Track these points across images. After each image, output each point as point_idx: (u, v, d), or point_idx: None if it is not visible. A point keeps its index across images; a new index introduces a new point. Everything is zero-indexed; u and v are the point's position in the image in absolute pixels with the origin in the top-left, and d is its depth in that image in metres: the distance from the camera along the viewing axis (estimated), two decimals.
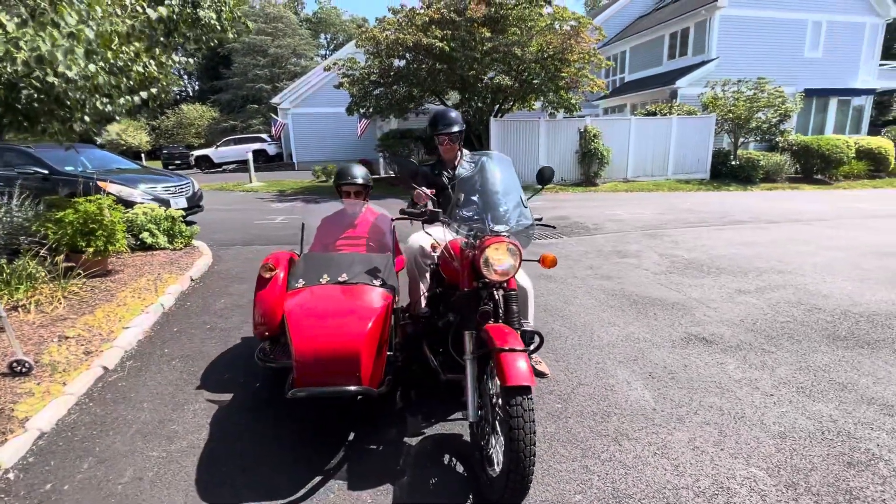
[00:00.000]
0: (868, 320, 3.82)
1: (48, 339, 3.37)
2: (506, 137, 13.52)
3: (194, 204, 7.83)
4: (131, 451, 2.31)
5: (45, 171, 6.75)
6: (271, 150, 25.10)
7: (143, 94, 4.42)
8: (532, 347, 2.15)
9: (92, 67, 3.43)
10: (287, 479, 2.12)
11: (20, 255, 4.24)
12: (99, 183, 6.50)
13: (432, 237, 2.63)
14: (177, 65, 4.79)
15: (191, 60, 4.99)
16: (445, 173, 3.03)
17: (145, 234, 5.86)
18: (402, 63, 13.13)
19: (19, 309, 3.81)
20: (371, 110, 14.13)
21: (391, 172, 16.18)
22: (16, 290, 3.94)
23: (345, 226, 3.07)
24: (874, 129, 18.84)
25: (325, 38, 47.36)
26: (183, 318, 4.02)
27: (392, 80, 13.36)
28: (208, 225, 7.73)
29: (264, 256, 2.88)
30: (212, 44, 5.46)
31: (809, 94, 16.20)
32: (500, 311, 2.16)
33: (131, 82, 4.25)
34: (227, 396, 2.80)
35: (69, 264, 4.39)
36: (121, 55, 3.91)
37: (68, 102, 3.74)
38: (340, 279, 2.48)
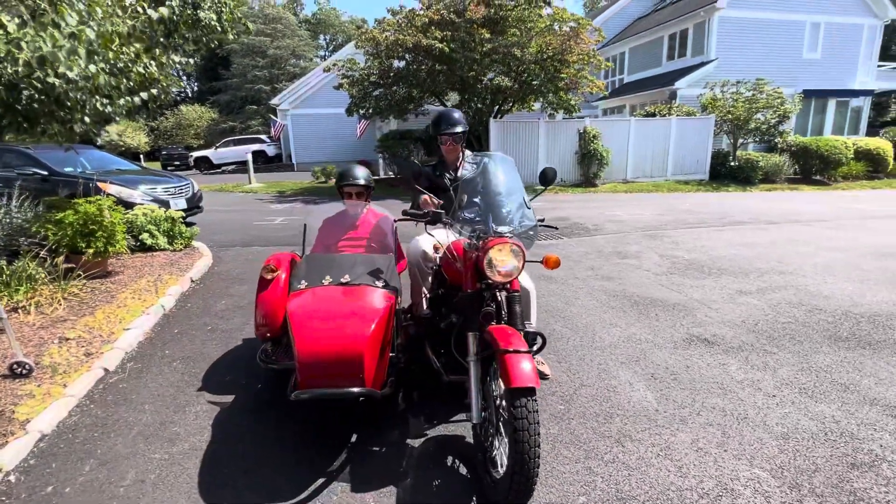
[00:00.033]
0: (869, 321, 3.83)
1: (48, 341, 3.36)
2: (505, 138, 13.52)
3: (194, 205, 7.82)
4: (133, 453, 2.30)
5: (45, 172, 6.74)
6: (270, 151, 25.08)
7: (144, 95, 4.41)
8: (535, 349, 2.14)
9: (92, 68, 3.42)
10: (289, 481, 2.11)
11: (20, 256, 4.23)
12: (99, 184, 6.48)
13: (435, 238, 2.63)
14: (177, 65, 4.77)
15: (191, 61, 4.97)
16: (447, 175, 3.02)
17: (145, 236, 5.84)
18: (402, 64, 13.14)
19: (19, 310, 3.80)
20: (371, 111, 14.13)
21: (391, 173, 16.18)
22: (16, 291, 3.93)
23: (346, 227, 3.07)
24: (872, 130, 18.88)
25: (325, 39, 47.37)
26: (183, 319, 4.01)
27: (392, 81, 13.37)
28: (208, 226, 7.71)
29: (264, 257, 2.87)
30: (212, 45, 5.45)
31: (808, 95, 16.24)
32: (503, 312, 2.16)
33: (131, 83, 4.24)
34: (229, 398, 2.79)
35: (69, 265, 4.37)
36: (121, 56, 3.90)
37: (68, 103, 3.73)
38: (343, 280, 2.47)
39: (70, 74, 3.21)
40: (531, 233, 2.24)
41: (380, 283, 2.47)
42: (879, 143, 15.36)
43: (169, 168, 22.44)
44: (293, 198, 12.64)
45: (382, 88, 13.69)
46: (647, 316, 4.01)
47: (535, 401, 1.75)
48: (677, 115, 14.55)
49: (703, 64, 16.23)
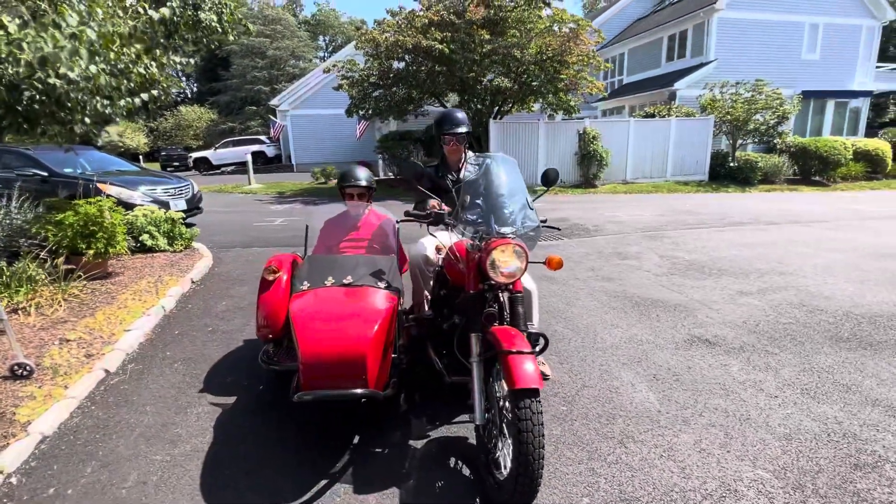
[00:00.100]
0: (870, 322, 3.83)
1: (49, 342, 3.35)
2: (505, 139, 13.53)
3: (194, 206, 7.81)
4: (135, 455, 2.29)
5: (45, 173, 6.72)
6: (270, 151, 25.07)
7: (144, 96, 4.40)
8: (537, 349, 2.14)
9: (93, 69, 3.41)
10: (292, 482, 2.11)
11: (20, 257, 4.22)
12: (99, 185, 6.48)
13: (437, 239, 2.63)
14: (177, 66, 4.77)
15: (191, 61, 4.96)
16: (450, 176, 3.01)
17: (145, 237, 5.84)
18: (402, 65, 13.14)
19: (19, 311, 3.79)
20: (370, 112, 14.13)
21: (390, 174, 16.18)
22: (16, 292, 3.92)
23: (348, 228, 3.07)
24: (871, 131, 18.92)
25: (324, 40, 47.38)
26: (184, 320, 4.01)
27: (391, 82, 13.37)
28: (208, 227, 7.70)
29: (264, 258, 2.87)
30: (212, 46, 5.44)
31: (807, 96, 16.27)
32: (506, 313, 2.16)
33: (132, 84, 4.23)
34: (231, 399, 2.78)
35: (69, 266, 4.37)
36: (122, 57, 3.89)
37: (69, 104, 3.72)
38: (345, 281, 2.47)
39: (71, 75, 3.21)
40: (532, 234, 2.24)
41: (382, 285, 2.47)
42: (878, 144, 15.40)
43: (168, 169, 22.42)
44: (293, 198, 12.63)
45: (382, 89, 13.69)
46: (648, 317, 4.01)
47: (539, 402, 1.74)
48: (677, 116, 14.57)
49: (702, 65, 16.27)
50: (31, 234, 4.54)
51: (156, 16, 4.02)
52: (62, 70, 3.18)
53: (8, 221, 4.72)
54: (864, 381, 2.90)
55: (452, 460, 2.25)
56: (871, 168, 15.25)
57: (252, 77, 32.61)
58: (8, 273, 3.99)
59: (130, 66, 4.00)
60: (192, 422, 2.56)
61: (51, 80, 3.26)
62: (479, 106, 13.90)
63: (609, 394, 2.80)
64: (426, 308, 2.96)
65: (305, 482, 2.10)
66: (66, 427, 2.52)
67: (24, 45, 2.96)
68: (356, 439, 2.41)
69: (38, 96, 3.44)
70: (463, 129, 2.93)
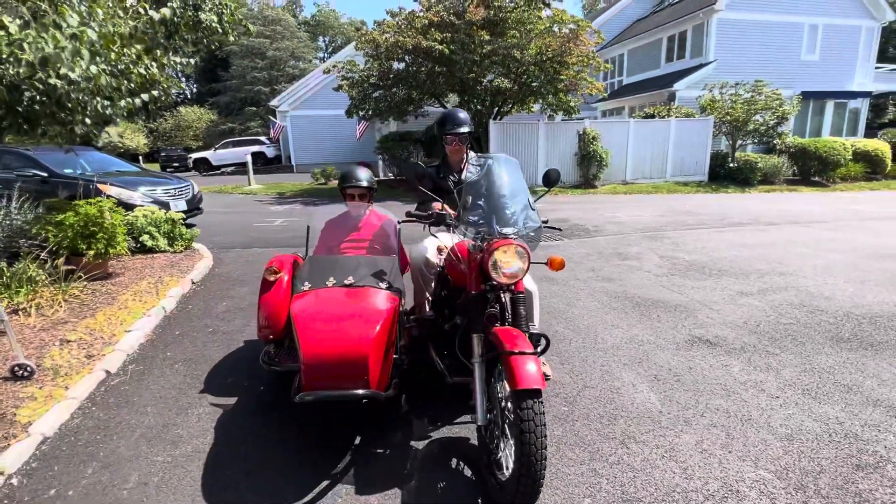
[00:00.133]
0: (871, 322, 3.83)
1: (49, 343, 3.34)
2: (505, 140, 13.54)
3: (194, 206, 7.81)
4: (136, 456, 2.29)
5: (45, 174, 6.72)
6: (270, 152, 25.07)
7: (145, 97, 4.40)
8: (539, 350, 2.13)
9: (94, 69, 3.41)
10: (293, 483, 2.10)
11: (20, 258, 4.22)
12: (99, 185, 6.47)
13: (439, 240, 2.63)
14: (177, 66, 4.77)
15: (191, 61, 4.96)
16: (451, 177, 3.01)
17: (145, 237, 5.83)
18: (402, 66, 13.15)
19: (20, 312, 3.78)
20: (370, 113, 14.14)
21: (390, 175, 16.18)
22: (16, 293, 3.92)
23: (349, 228, 3.07)
24: (870, 132, 18.96)
25: (324, 41, 47.40)
26: (185, 321, 4.00)
27: (391, 83, 13.38)
28: (208, 227, 7.70)
29: (265, 259, 2.87)
30: (212, 46, 5.45)
31: (806, 96, 16.29)
32: (507, 313, 2.15)
33: (132, 85, 4.24)
34: (232, 400, 2.78)
35: (69, 267, 4.36)
36: (122, 58, 3.89)
37: (69, 105, 3.72)
38: (346, 282, 2.47)
39: (72, 76, 3.21)
40: (533, 234, 2.24)
41: (383, 285, 2.47)
42: (877, 145, 15.42)
43: (168, 169, 22.42)
44: (293, 199, 12.63)
45: (382, 90, 13.70)
46: (648, 317, 4.01)
47: (542, 402, 1.74)
48: (676, 117, 14.58)
49: (701, 65, 16.28)
50: (32, 234, 4.53)
51: (156, 16, 4.02)
52: (63, 71, 3.18)
53: (8, 222, 4.72)
54: (865, 382, 2.90)
55: (454, 461, 2.24)
56: (871, 169, 15.27)
57: (252, 78, 32.61)
58: (8, 274, 3.99)
59: (131, 66, 4.01)
60: (193, 423, 2.56)
61: (51, 81, 3.26)
62: (478, 107, 13.90)
63: (610, 394, 2.80)
64: (427, 309, 2.96)
65: (307, 483, 2.10)
66: (67, 428, 2.52)
67: (26, 46, 2.96)
68: (357, 440, 2.41)
69: (38, 97, 3.44)
70: (465, 129, 2.93)
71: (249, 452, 2.32)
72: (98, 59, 3.48)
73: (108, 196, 6.01)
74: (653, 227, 8.20)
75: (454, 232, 2.32)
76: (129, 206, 6.32)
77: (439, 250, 2.83)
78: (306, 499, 2.02)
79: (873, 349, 3.35)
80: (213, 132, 31.77)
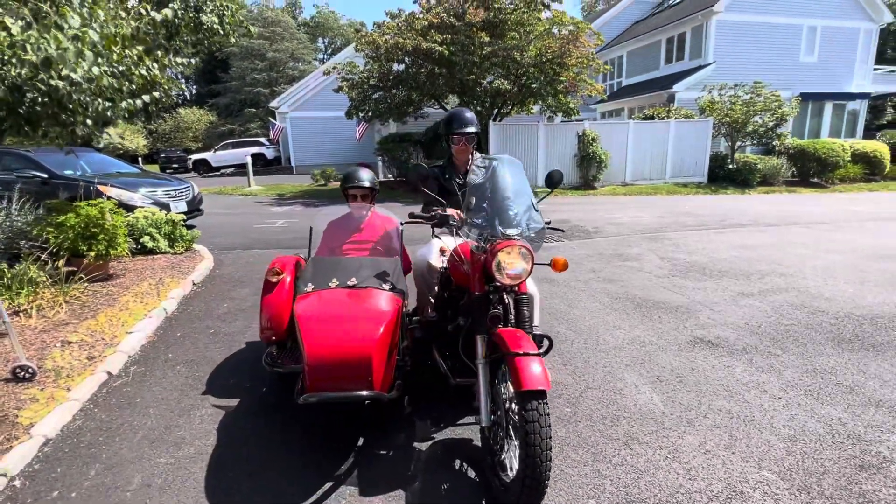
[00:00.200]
0: (871, 323, 3.84)
1: (51, 345, 3.34)
2: (505, 141, 13.55)
3: (194, 208, 7.80)
4: (139, 458, 2.29)
5: (45, 175, 6.71)
6: (269, 153, 25.05)
7: (146, 98, 4.40)
8: (542, 351, 2.13)
9: (96, 70, 3.41)
10: (297, 485, 2.10)
11: (21, 259, 4.21)
12: (99, 187, 6.47)
13: (442, 241, 2.63)
14: (179, 67, 4.77)
15: (192, 62, 4.97)
16: (457, 179, 2.98)
17: (146, 239, 5.83)
18: (402, 67, 13.16)
19: (21, 314, 3.78)
20: (370, 114, 14.15)
21: (390, 176, 16.18)
22: (17, 294, 3.91)
23: (351, 230, 3.07)
24: (869, 133, 19.01)
25: (323, 43, 47.42)
26: (186, 322, 4.00)
27: (391, 84, 13.39)
28: (208, 229, 7.69)
29: (266, 260, 2.87)
30: (213, 48, 5.45)
31: (805, 98, 16.33)
32: (511, 314, 2.15)
33: (133, 86, 4.24)
34: (234, 402, 2.77)
35: (70, 269, 4.36)
36: (124, 59, 3.89)
37: (70, 106, 3.72)
38: (349, 283, 2.47)
39: (74, 76, 3.21)
40: (535, 236, 2.24)
41: (386, 286, 2.47)
42: (876, 146, 15.46)
43: (167, 171, 22.38)
44: (293, 200, 12.62)
45: (382, 91, 13.71)
46: (650, 318, 4.01)
47: (546, 403, 1.74)
48: (675, 118, 14.61)
49: (700, 67, 16.32)
50: (32, 236, 4.53)
51: (158, 17, 4.03)
52: (65, 72, 3.18)
53: (9, 223, 4.72)
54: (866, 383, 2.90)
55: (458, 462, 2.24)
56: (869, 170, 15.32)
57: (251, 79, 32.60)
58: (9, 275, 3.98)
59: (132, 67, 4.01)
60: (196, 424, 2.56)
61: (53, 82, 3.27)
62: (478, 108, 13.92)
63: (613, 395, 2.80)
64: (430, 310, 2.96)
65: (310, 484, 2.10)
66: (69, 430, 2.51)
67: (28, 47, 2.96)
68: (361, 441, 2.40)
69: (40, 98, 3.44)
70: (472, 129, 2.90)
71: (252, 454, 2.31)
72: (100, 60, 3.48)
73: (109, 197, 6.01)
74: (653, 228, 8.21)
75: (457, 234, 2.32)
76: (129, 208, 6.31)
77: (442, 251, 2.83)
78: (310, 500, 2.02)
79: (875, 350, 3.35)
80: (212, 133, 31.75)
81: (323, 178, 15.97)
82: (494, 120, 13.86)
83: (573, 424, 2.51)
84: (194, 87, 41.06)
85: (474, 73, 12.24)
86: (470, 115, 2.92)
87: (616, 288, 4.84)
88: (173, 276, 5.00)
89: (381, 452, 2.32)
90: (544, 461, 1.69)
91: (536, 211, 2.27)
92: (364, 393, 2.03)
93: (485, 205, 2.19)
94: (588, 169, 13.65)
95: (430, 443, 2.39)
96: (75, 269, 4.42)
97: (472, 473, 2.17)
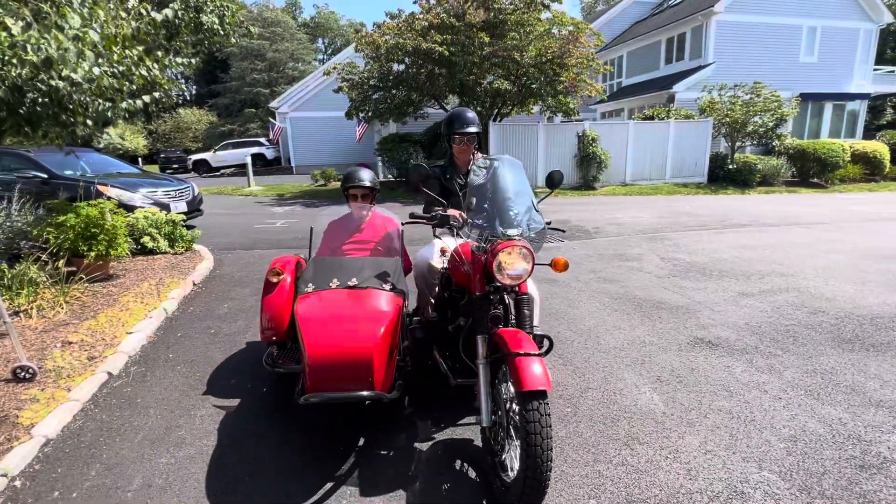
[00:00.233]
0: (872, 323, 3.84)
1: (51, 345, 3.34)
2: (505, 142, 13.56)
3: (194, 208, 7.80)
4: (139, 458, 2.29)
5: (45, 176, 6.71)
6: (269, 154, 25.05)
7: (146, 98, 4.40)
8: (543, 351, 2.14)
9: (96, 70, 3.41)
10: (298, 485, 2.10)
11: (21, 259, 4.21)
12: (99, 187, 6.47)
13: (442, 241, 2.63)
14: (179, 67, 4.77)
15: (193, 62, 4.96)
16: (458, 180, 2.98)
17: (146, 239, 5.83)
18: (402, 67, 13.16)
19: (21, 314, 3.78)
20: (370, 114, 14.15)
21: (390, 176, 16.18)
22: (17, 294, 3.91)
23: (352, 230, 3.07)
24: (868, 134, 19.03)
25: (323, 43, 47.43)
26: (186, 322, 4.00)
27: (391, 85, 13.39)
28: (208, 229, 7.69)
29: (266, 260, 2.88)
30: (214, 48, 5.45)
31: (805, 98, 16.34)
32: (511, 315, 2.15)
33: (134, 86, 4.24)
34: (235, 402, 2.77)
35: (70, 269, 4.36)
36: (125, 59, 3.89)
37: (71, 106, 3.72)
38: (350, 283, 2.47)
39: (75, 77, 3.21)
40: (535, 236, 2.24)
41: (387, 287, 2.47)
42: (876, 147, 15.47)
43: (167, 171, 22.37)
44: (293, 201, 12.62)
45: (382, 92, 13.71)
46: (650, 318, 4.01)
47: (547, 404, 1.74)
48: (675, 119, 14.62)
49: (700, 67, 16.33)
50: (32, 236, 4.53)
51: (158, 17, 4.03)
52: (65, 72, 3.18)
53: (9, 224, 4.71)
54: (867, 383, 2.90)
55: (459, 462, 2.24)
56: (869, 170, 15.32)
57: (251, 79, 32.59)
58: (9, 275, 3.98)
59: (133, 68, 4.01)
60: (197, 424, 2.56)
61: (54, 82, 3.27)
62: (478, 108, 13.91)
63: (613, 395, 2.80)
64: (430, 311, 2.96)
65: (311, 484, 2.10)
66: (70, 430, 2.51)
67: (29, 48, 2.96)
68: (361, 441, 2.40)
69: (41, 98, 3.44)
70: (474, 129, 2.88)
71: (253, 454, 2.31)
72: (101, 60, 3.48)
73: (109, 198, 6.01)
74: (653, 228, 8.21)
75: (458, 234, 2.32)
76: (129, 208, 6.31)
77: (442, 252, 2.83)
78: (311, 500, 2.02)
79: (875, 350, 3.35)
80: (212, 134, 31.75)
81: (323, 178, 15.97)
82: (494, 120, 13.86)
83: (574, 425, 2.51)
84: (194, 87, 41.05)
85: (474, 74, 12.24)
86: (472, 115, 2.91)
87: (616, 288, 4.84)
88: (173, 277, 5.00)
89: (382, 453, 2.32)
90: (545, 461, 1.69)
91: (537, 211, 2.27)
92: (365, 393, 2.03)
93: (485, 205, 2.19)
94: (588, 169, 13.65)
95: (430, 443, 2.39)
96: (75, 269, 4.42)
97: (472, 474, 2.17)
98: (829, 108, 17.61)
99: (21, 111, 3.61)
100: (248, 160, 16.70)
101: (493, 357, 2.06)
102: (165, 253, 5.95)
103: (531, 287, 2.63)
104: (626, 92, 19.84)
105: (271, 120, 24.39)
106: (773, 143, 15.14)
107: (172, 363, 3.27)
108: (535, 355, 1.81)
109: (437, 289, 2.90)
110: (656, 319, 3.98)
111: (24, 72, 3.06)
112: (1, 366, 3.02)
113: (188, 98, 40.36)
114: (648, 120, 14.85)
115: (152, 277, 4.96)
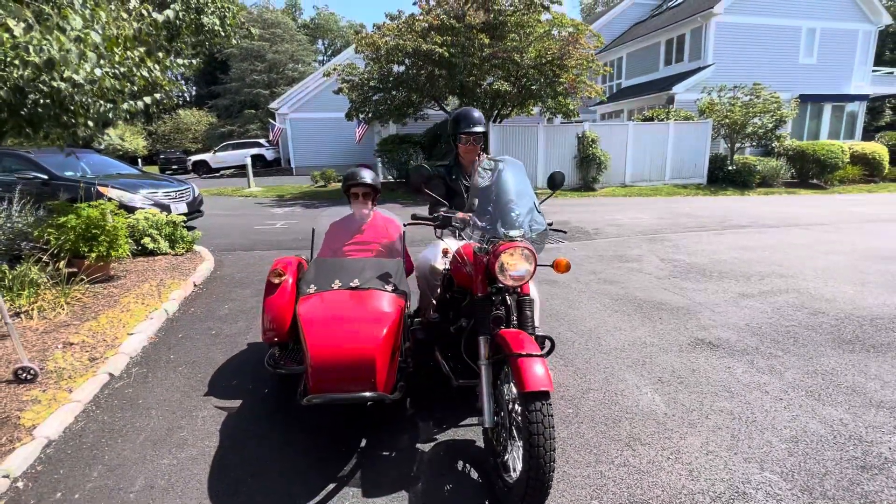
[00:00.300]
0: (872, 324, 3.84)
1: (52, 346, 3.34)
2: (505, 143, 13.57)
3: (195, 209, 7.80)
4: (141, 459, 2.29)
5: (45, 177, 6.70)
6: (269, 155, 25.05)
7: (147, 100, 4.41)
8: (545, 352, 2.14)
9: (98, 72, 3.42)
10: (300, 486, 2.10)
11: (22, 260, 4.21)
12: (100, 188, 6.46)
13: (444, 242, 2.63)
14: (180, 68, 4.78)
15: (194, 62, 4.97)
16: (463, 181, 2.97)
17: (147, 240, 5.83)
18: (402, 69, 13.18)
19: (22, 315, 3.78)
20: (370, 116, 14.16)
21: (390, 177, 16.19)
22: (18, 296, 3.91)
23: (353, 231, 3.07)
24: (867, 135, 19.06)
25: (323, 44, 47.46)
26: (187, 323, 4.00)
27: (391, 86, 13.40)
28: (209, 230, 7.69)
29: (267, 261, 2.88)
30: (214, 49, 5.46)
31: (804, 99, 16.38)
32: (513, 316, 2.16)
33: (135, 87, 4.25)
34: (236, 403, 2.78)
35: (71, 270, 4.36)
36: (126, 60, 3.90)
37: (72, 107, 3.73)
38: (352, 284, 2.47)
39: (77, 78, 3.21)
40: (536, 237, 2.25)
41: (389, 288, 2.47)
42: (875, 148, 15.50)
43: (167, 172, 22.38)
44: (293, 202, 12.63)
45: (382, 93, 13.72)
46: (650, 319, 4.02)
47: (550, 404, 1.75)
48: (675, 120, 14.64)
49: (700, 69, 16.36)
50: (33, 237, 4.53)
51: (159, 18, 4.03)
52: (67, 73, 3.18)
53: (9, 225, 4.72)
54: (867, 384, 2.91)
55: (461, 463, 2.25)
56: (869, 171, 15.35)
57: (251, 80, 32.59)
58: (10, 276, 3.98)
59: (134, 69, 4.01)
60: (198, 425, 2.56)
61: (55, 83, 3.27)
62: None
63: (614, 396, 2.80)
64: (432, 312, 2.96)
65: (314, 486, 2.10)
66: (72, 431, 2.51)
67: (30, 49, 2.97)
68: (363, 442, 2.40)
69: (42, 99, 3.45)
70: (480, 129, 2.86)
71: (255, 455, 2.31)
72: (102, 61, 3.49)
73: (109, 199, 6.01)
74: (653, 229, 8.22)
75: (461, 235, 2.32)
76: (130, 209, 6.31)
77: (444, 252, 2.83)
78: (313, 501, 2.02)
79: (875, 351, 3.36)
80: (212, 135, 31.74)
81: (323, 179, 15.97)
82: (494, 121, 13.87)
83: (575, 425, 2.52)
84: (194, 88, 41.05)
85: (474, 75, 12.26)
86: (478, 114, 2.89)
87: (617, 289, 4.85)
88: (174, 278, 5.00)
89: (384, 454, 2.33)
90: (548, 462, 1.69)
91: (539, 213, 2.27)
92: (367, 394, 2.03)
93: (488, 207, 2.20)
94: (588, 170, 13.67)
95: (432, 444, 2.39)
96: (76, 270, 4.42)
97: (475, 474, 2.17)
98: (828, 109, 17.65)
99: (22, 112, 3.61)
100: (248, 161, 16.71)
101: (495, 358, 2.06)
102: (166, 254, 5.95)
103: (532, 290, 2.63)
104: (625, 93, 19.86)
105: (271, 121, 24.40)
106: (773, 145, 15.17)
107: (174, 364, 3.27)
108: (537, 356, 1.82)
109: (438, 290, 2.91)
110: (657, 320, 3.99)
111: (26, 73, 3.06)
112: (2, 367, 3.02)
113: (188, 99, 40.36)
114: (648, 121, 14.87)
115: (153, 278, 4.96)
